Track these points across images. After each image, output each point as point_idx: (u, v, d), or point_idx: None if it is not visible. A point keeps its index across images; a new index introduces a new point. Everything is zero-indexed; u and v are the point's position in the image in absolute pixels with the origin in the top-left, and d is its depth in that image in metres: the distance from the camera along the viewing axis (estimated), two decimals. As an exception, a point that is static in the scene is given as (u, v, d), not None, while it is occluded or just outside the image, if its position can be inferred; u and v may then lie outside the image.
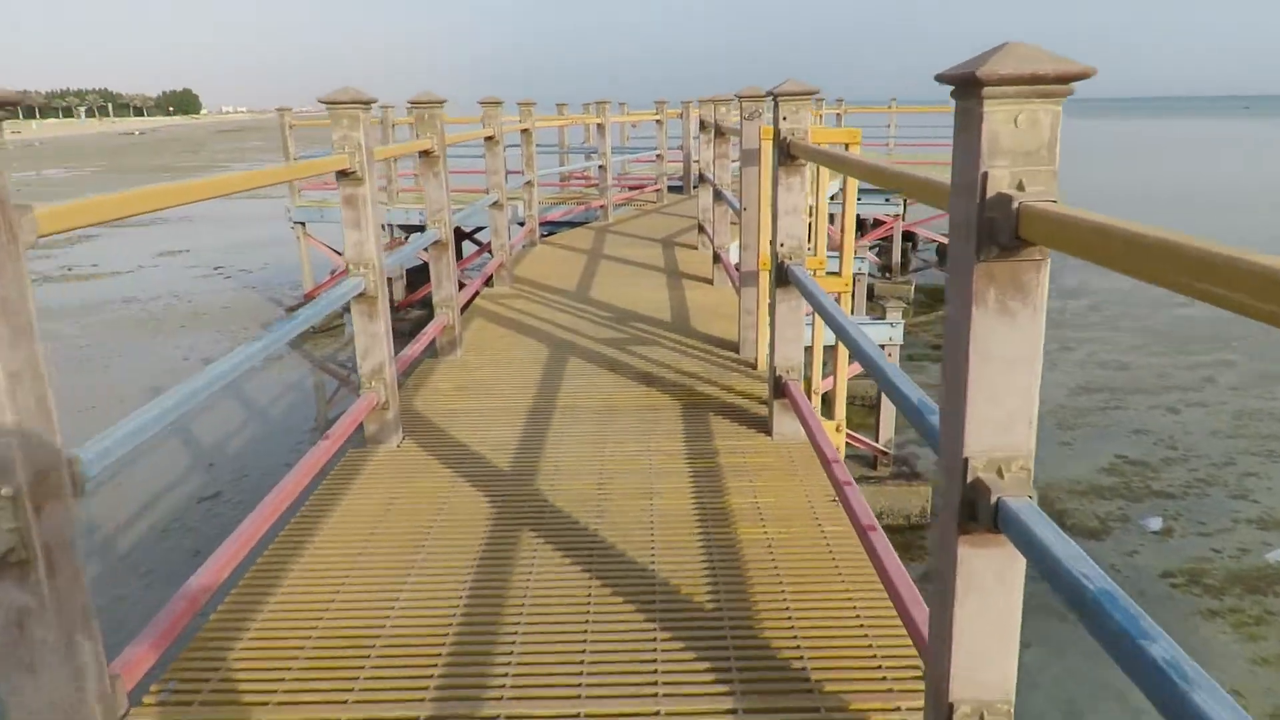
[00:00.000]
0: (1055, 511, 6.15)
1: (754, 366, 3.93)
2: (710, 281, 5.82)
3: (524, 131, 7.13)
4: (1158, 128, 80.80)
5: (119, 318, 12.57)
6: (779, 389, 3.04)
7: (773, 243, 2.98)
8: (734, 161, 6.41)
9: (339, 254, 12.32)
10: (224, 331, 11.48)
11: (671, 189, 11.68)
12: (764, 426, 3.21)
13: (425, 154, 3.90)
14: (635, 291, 5.61)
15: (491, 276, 5.69)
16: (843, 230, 3.16)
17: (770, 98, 2.87)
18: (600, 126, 8.84)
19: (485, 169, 5.64)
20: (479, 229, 12.70)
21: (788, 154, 2.82)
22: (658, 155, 10.61)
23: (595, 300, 5.38)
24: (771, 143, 2.96)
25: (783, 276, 2.93)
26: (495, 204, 5.63)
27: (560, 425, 3.31)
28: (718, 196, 5.57)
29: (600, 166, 8.92)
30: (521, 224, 7.91)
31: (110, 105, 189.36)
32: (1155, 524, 6.03)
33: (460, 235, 12.95)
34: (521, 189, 7.28)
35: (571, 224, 10.16)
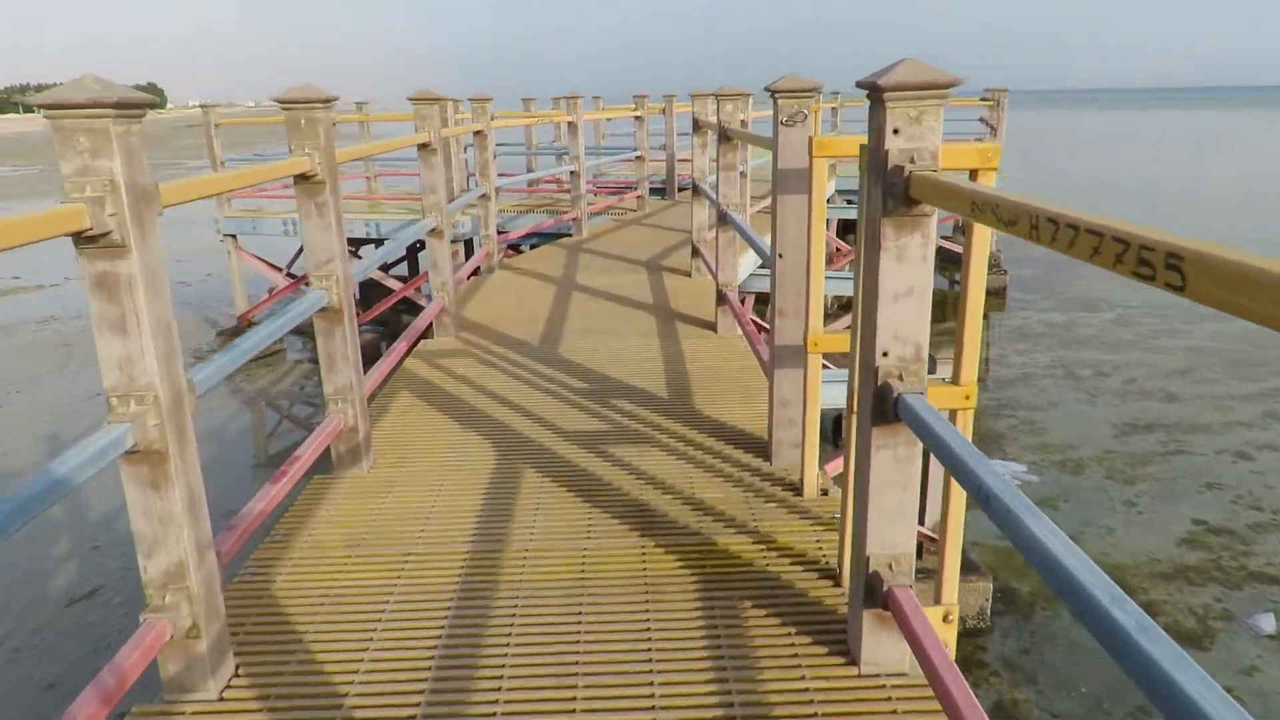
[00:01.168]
0: (1142, 603, 4.96)
1: (798, 490, 2.65)
2: (713, 328, 4.54)
3: (478, 134, 5.82)
4: (1149, 119, 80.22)
5: (31, 342, 11.10)
6: (873, 594, 1.77)
7: (863, 347, 1.71)
8: (740, 171, 5.13)
9: (278, 269, 10.94)
10: (144, 360, 10.04)
11: (652, 191, 10.39)
12: (839, 641, 1.94)
13: (303, 178, 2.59)
14: (618, 344, 4.32)
15: (431, 325, 4.38)
16: (964, 308, 1.89)
17: (870, 94, 1.60)
18: (572, 125, 7.53)
19: (420, 185, 4.32)
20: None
21: (904, 196, 1.54)
22: (638, 156, 9.31)
23: (565, 360, 4.08)
24: (866, 171, 1.68)
25: (885, 408, 1.65)
26: (434, 231, 4.31)
27: (501, 632, 2.01)
28: (723, 220, 4.29)
29: (572, 171, 7.61)
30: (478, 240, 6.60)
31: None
32: (1268, 624, 4.84)
33: (415, 248, 11.59)
34: (477, 202, 5.96)
35: (542, 234, 8.86)
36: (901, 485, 1.73)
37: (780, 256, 2.69)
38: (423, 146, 4.17)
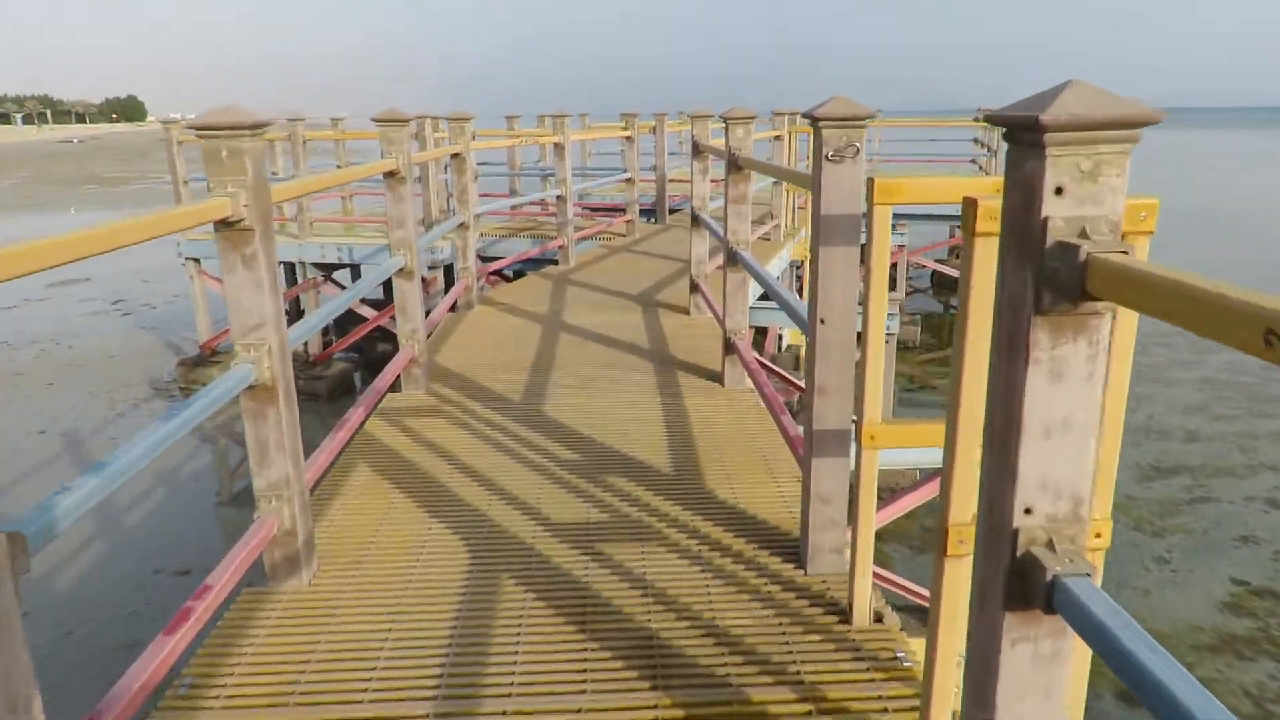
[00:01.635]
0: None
1: (844, 615, 2.13)
2: (720, 379, 4.02)
3: (455, 157, 5.30)
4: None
5: (-21, 370, 10.44)
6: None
7: (989, 497, 1.19)
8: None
9: (245, 294, 10.33)
10: (99, 391, 9.43)
11: (641, 213, 9.89)
12: None
13: (225, 224, 2.05)
14: (612, 401, 3.79)
15: (398, 378, 3.84)
16: (1104, 413, 1.39)
17: (1012, 133, 1.09)
18: (558, 146, 7.02)
19: (387, 218, 3.79)
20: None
21: (1076, 287, 1.03)
22: (628, 179, 8.82)
23: (552, 422, 3.55)
24: (1007, 243, 1.16)
25: (1030, 592, 1.14)
26: (402, 270, 3.78)
27: None
28: (733, 261, 3.79)
29: (559, 196, 7.10)
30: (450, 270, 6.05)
31: (49, 112, 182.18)
32: (1335, 707, 4.36)
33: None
34: (454, 232, 5.43)
35: (528, 260, 8.35)
36: (1044, 691, 1.21)
37: (822, 322, 2.17)
38: (390, 174, 3.65)
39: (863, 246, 2.00)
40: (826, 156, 2.08)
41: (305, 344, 9.73)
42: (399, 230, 3.73)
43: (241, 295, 2.12)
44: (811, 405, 2.24)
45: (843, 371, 2.20)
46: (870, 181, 1.82)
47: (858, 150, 2.06)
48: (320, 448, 2.62)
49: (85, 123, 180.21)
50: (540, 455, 3.18)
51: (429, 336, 4.71)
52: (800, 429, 2.88)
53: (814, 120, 2.09)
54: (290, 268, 9.84)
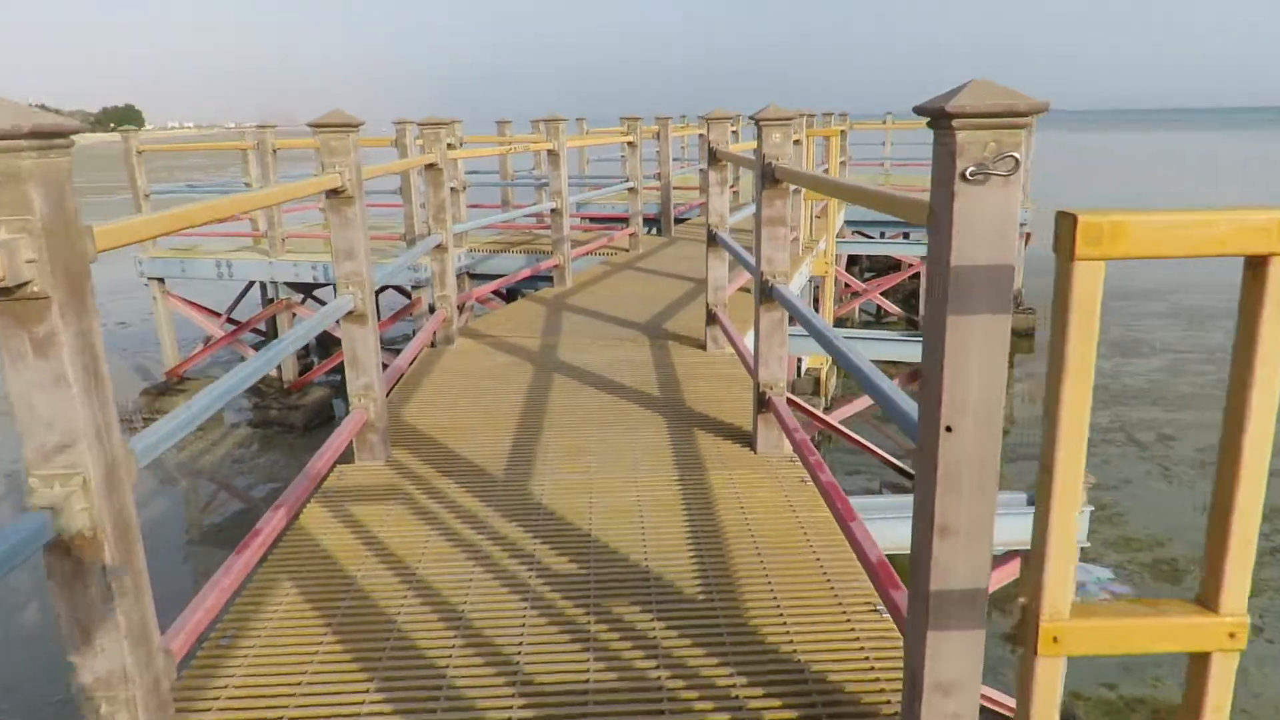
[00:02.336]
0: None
1: None
2: (752, 445, 3.24)
3: (430, 168, 4.53)
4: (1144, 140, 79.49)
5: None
6: None
7: None
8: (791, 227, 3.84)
9: (215, 314, 9.59)
10: (54, 425, 8.63)
11: (644, 222, 9.11)
12: None
13: (4, 294, 1.28)
14: (615, 481, 3.01)
15: (351, 444, 3.06)
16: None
17: None
18: (553, 154, 6.25)
19: (333, 249, 3.01)
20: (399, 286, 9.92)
21: None
22: (630, 189, 8.05)
23: (545, 511, 2.77)
24: None
25: None
26: (351, 314, 3.01)
27: None
28: (768, 296, 3.02)
29: (553, 209, 6.33)
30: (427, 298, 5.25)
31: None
32: None
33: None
34: (431, 255, 4.66)
35: (526, 279, 7.56)
36: None
37: (948, 430, 1.39)
38: (333, 192, 2.87)
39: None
40: (963, 174, 1.30)
41: (280, 370, 8.96)
42: (347, 263, 2.96)
43: (34, 399, 1.34)
44: (929, 554, 1.46)
45: (980, 504, 1.42)
46: (1069, 220, 1.04)
47: (1015, 164, 1.29)
48: (206, 589, 1.84)
49: (79, 133, 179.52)
50: (525, 567, 2.40)
51: (393, 388, 3.93)
52: (868, 535, 2.12)
53: (941, 117, 1.31)
54: (263, 287, 9.07)
